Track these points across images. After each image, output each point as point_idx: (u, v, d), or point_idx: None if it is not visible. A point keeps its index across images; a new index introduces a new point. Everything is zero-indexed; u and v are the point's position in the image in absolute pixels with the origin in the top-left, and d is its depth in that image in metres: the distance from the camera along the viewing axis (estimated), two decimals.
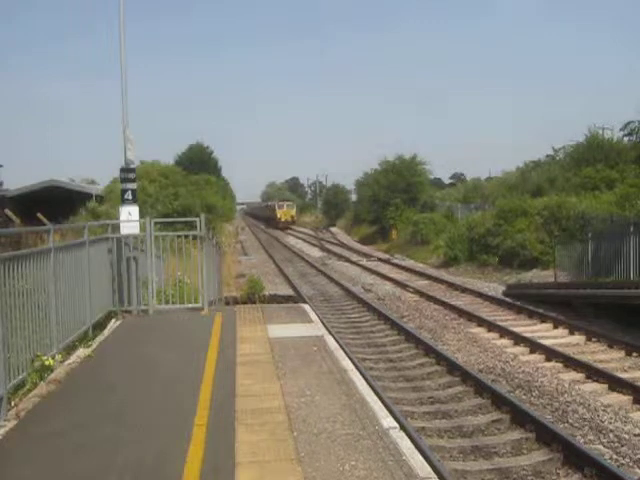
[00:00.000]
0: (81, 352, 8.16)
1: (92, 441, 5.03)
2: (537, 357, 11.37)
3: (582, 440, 7.44)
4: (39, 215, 21.89)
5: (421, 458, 4.72)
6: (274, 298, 16.34)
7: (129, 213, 11.55)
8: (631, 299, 12.86)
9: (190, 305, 11.27)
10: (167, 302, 11.23)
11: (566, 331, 13.35)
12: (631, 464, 6.87)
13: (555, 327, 13.86)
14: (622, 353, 11.45)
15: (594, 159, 33.83)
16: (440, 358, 11.04)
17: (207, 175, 48.02)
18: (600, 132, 38.47)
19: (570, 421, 8.13)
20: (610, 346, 11.90)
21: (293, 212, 73.81)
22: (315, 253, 36.73)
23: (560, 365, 10.70)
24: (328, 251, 34.94)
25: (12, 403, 6.05)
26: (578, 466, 6.60)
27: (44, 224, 17.98)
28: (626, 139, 37.21)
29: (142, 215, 12.01)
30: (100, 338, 9.07)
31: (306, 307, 11.99)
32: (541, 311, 15.26)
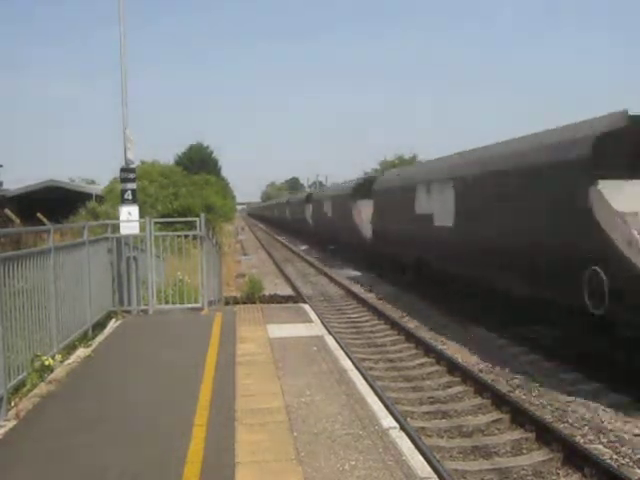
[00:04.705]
0: (81, 352, 8.16)
1: (92, 441, 5.03)
2: None
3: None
4: (39, 215, 21.90)
5: (421, 458, 4.73)
6: (274, 298, 16.35)
7: (129, 213, 11.56)
8: None
9: (190, 305, 11.28)
10: (167, 302, 11.23)
11: None
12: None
13: None
14: None
15: None
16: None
17: (207, 175, 48.03)
18: None
19: None
20: None
21: None
22: (315, 252, 36.70)
23: None
24: (331, 251, 34.88)
25: (12, 403, 6.06)
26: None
27: (44, 224, 17.98)
28: None
29: (142, 215, 12.02)
30: (100, 338, 9.07)
31: (306, 307, 11.99)
32: None
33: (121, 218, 11.56)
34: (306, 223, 42.28)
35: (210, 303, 11.69)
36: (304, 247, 41.00)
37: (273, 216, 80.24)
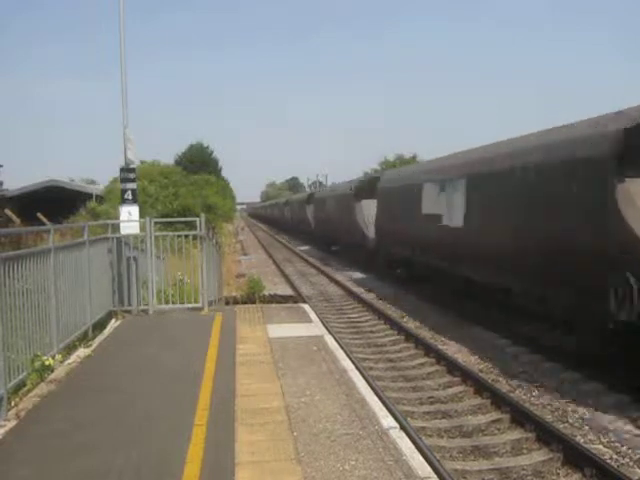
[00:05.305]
0: (81, 352, 8.16)
1: (92, 441, 5.03)
2: None
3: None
4: (39, 215, 21.90)
5: (421, 458, 4.72)
6: (274, 298, 16.34)
7: (129, 213, 11.56)
8: None
9: (190, 305, 11.28)
10: (167, 302, 11.23)
11: None
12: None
13: None
14: None
15: None
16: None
17: (207, 175, 48.02)
18: None
19: None
20: None
21: None
22: (317, 254, 36.70)
23: None
24: (331, 252, 34.97)
25: (12, 403, 6.06)
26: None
27: (44, 224, 17.97)
28: None
29: (142, 215, 12.01)
30: (100, 338, 9.08)
31: (306, 307, 12.00)
32: None
33: (121, 218, 11.56)
34: (353, 232, 26.04)
35: (210, 303, 11.69)
36: (358, 275, 24.46)
37: (283, 218, 60.86)
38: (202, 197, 35.64)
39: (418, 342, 12.37)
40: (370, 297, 18.40)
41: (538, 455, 7.08)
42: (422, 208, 16.85)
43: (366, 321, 15.36)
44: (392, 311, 16.02)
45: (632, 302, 8.07)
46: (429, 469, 4.54)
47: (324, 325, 10.60)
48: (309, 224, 40.88)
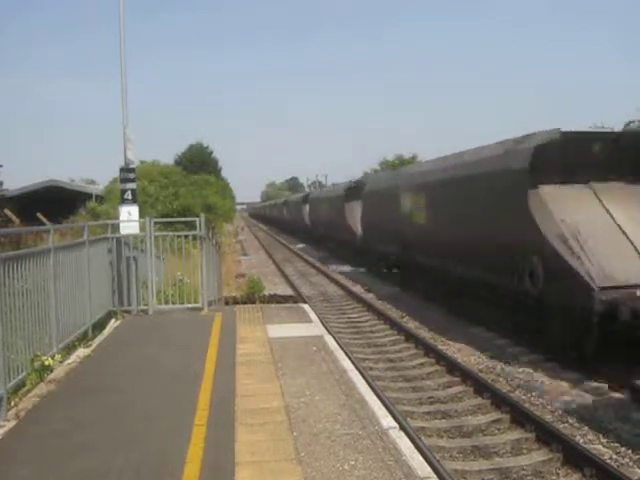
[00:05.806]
0: (81, 352, 8.16)
1: (92, 441, 5.03)
2: None
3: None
4: (39, 215, 21.88)
5: (421, 458, 4.72)
6: (274, 298, 16.34)
7: (129, 213, 11.56)
8: None
9: (190, 305, 11.28)
10: (167, 302, 11.23)
11: None
12: None
13: None
14: None
15: None
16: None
17: (207, 175, 47.99)
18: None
19: None
20: None
21: None
22: (316, 253, 36.72)
23: None
24: (333, 253, 34.90)
25: (12, 403, 6.05)
26: None
27: (44, 224, 17.96)
28: None
29: (142, 215, 12.01)
30: (100, 338, 9.07)
31: (306, 307, 11.99)
32: None
33: (121, 218, 11.56)
34: (494, 254, 12.26)
35: (210, 303, 11.69)
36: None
37: (298, 221, 46.75)
38: (202, 197, 35.64)
39: (418, 342, 12.38)
40: None
41: (538, 455, 7.08)
42: None
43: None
44: None
45: None
46: (429, 469, 4.54)
47: (324, 325, 10.60)
48: (350, 231, 27.64)
